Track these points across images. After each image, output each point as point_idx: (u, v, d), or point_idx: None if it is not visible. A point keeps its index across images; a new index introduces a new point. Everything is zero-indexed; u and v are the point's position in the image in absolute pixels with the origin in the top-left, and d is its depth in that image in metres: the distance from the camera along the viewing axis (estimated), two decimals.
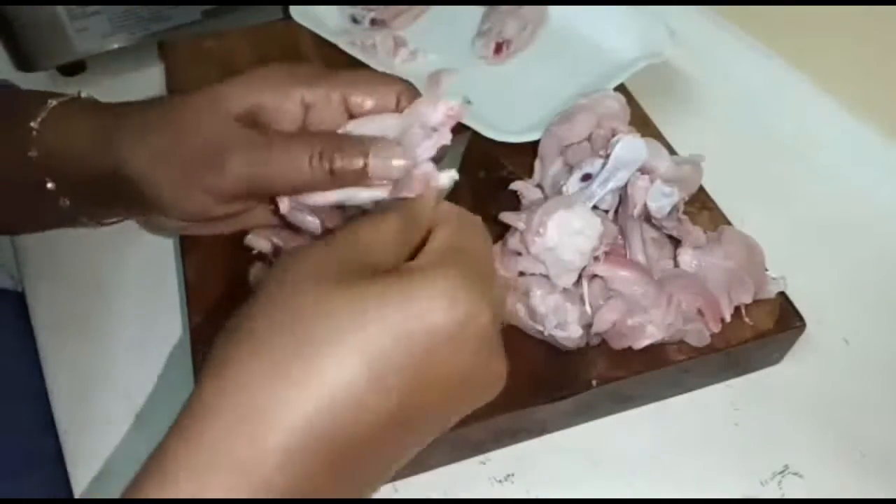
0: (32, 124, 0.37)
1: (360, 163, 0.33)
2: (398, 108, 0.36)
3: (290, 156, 0.33)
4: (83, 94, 0.40)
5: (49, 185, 0.37)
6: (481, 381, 0.28)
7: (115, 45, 0.59)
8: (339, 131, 0.36)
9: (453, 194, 0.47)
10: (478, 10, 0.59)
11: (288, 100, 0.35)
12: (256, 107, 0.35)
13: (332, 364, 0.23)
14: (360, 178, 0.33)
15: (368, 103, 0.36)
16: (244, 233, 0.41)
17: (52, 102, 0.37)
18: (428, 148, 0.33)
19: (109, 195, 0.37)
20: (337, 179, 0.34)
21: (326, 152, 0.33)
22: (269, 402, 0.23)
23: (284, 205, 0.35)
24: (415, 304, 0.24)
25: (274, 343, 0.24)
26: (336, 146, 0.33)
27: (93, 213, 0.40)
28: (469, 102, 0.35)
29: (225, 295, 0.42)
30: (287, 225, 0.38)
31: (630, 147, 0.41)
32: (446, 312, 0.25)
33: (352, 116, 0.36)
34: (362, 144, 0.33)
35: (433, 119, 0.35)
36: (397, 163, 0.33)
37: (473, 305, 0.25)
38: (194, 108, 0.35)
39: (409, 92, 0.36)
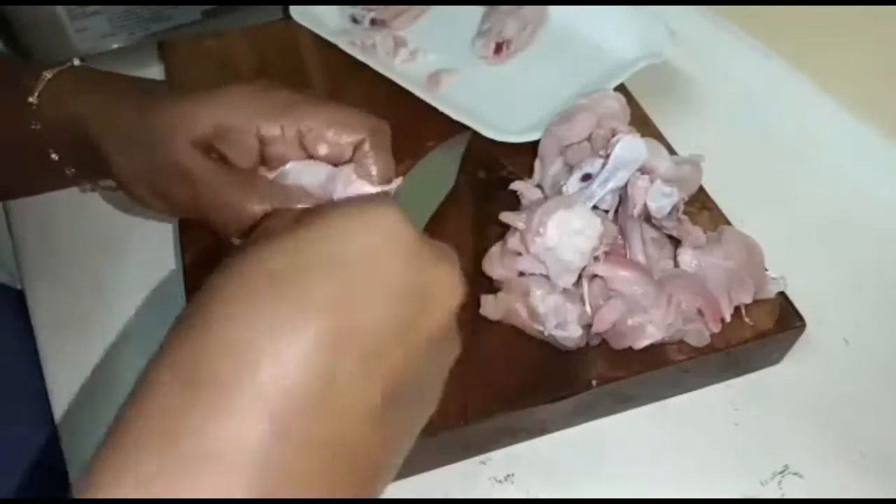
0: (31, 99, 0.38)
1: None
2: (355, 154, 0.37)
3: (235, 207, 0.35)
4: (76, 62, 0.41)
5: (53, 156, 0.39)
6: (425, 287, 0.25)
7: (115, 45, 0.59)
8: (273, 175, 0.37)
9: (453, 195, 0.47)
10: (478, 10, 0.59)
11: (246, 130, 0.36)
12: (220, 128, 0.35)
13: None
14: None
15: (322, 150, 0.36)
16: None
17: (47, 75, 0.39)
18: None
19: (95, 163, 0.38)
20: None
21: (270, 203, 0.35)
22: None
23: None
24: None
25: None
26: (281, 204, 0.34)
27: (95, 179, 0.42)
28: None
29: None
30: None
31: (630, 147, 0.41)
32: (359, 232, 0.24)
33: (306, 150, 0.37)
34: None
35: (343, 193, 0.36)
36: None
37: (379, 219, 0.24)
38: (169, 127, 0.35)
39: (375, 137, 0.37)
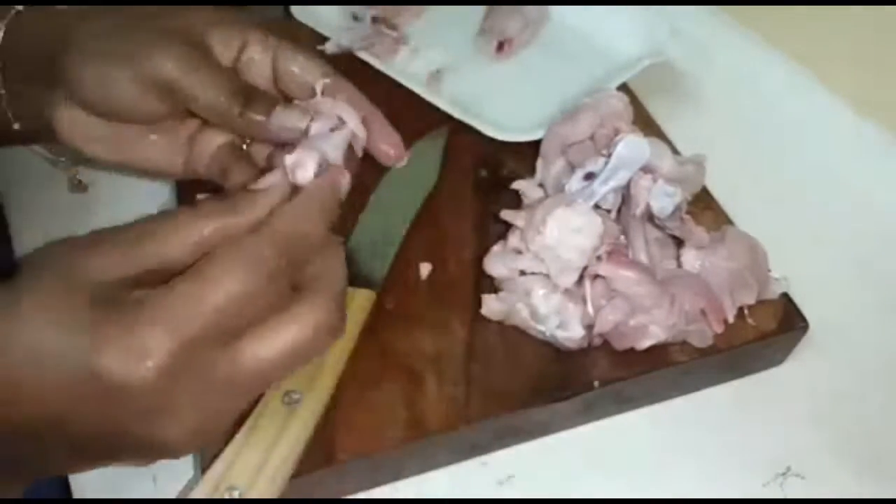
0: None
1: (263, 114, 0.35)
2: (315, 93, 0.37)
3: (214, 82, 0.35)
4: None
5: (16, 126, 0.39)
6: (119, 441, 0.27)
7: None
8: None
9: (453, 195, 0.47)
10: (479, 9, 0.59)
11: (232, 38, 0.37)
12: (203, 34, 0.37)
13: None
14: (261, 130, 0.35)
15: (295, 71, 0.37)
16: None
17: (19, 8, 0.38)
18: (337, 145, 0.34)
19: (47, 80, 0.38)
20: (243, 122, 0.35)
21: (243, 93, 0.35)
22: None
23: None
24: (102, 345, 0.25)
25: None
26: (251, 93, 0.36)
27: (22, 110, 0.40)
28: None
29: None
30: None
31: (632, 146, 0.41)
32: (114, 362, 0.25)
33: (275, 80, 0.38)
34: (272, 101, 0.35)
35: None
36: (294, 124, 0.35)
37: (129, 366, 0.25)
38: (150, 15, 0.37)
39: (332, 82, 0.37)
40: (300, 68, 0.38)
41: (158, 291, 0.26)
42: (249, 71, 0.38)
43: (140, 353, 0.25)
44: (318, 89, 0.37)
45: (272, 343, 0.27)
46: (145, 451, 0.28)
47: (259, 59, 0.38)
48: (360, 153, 0.36)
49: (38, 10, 0.38)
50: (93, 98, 0.37)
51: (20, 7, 0.38)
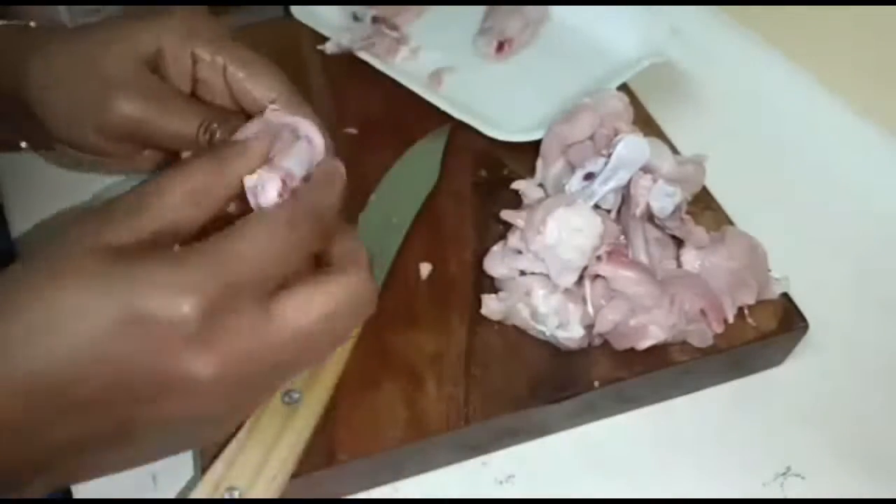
0: None
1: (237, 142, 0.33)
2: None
3: (183, 117, 0.36)
4: (12, 22, 0.40)
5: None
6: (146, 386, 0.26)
7: None
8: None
9: (454, 195, 0.47)
10: (479, 9, 0.59)
11: (184, 50, 0.37)
12: (157, 52, 0.37)
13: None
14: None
15: (253, 93, 0.37)
16: None
17: None
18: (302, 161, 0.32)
19: (18, 116, 0.38)
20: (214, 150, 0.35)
21: (207, 124, 0.36)
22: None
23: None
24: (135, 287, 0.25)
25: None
26: (215, 121, 0.36)
27: (16, 138, 0.42)
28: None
29: None
30: None
31: (632, 146, 0.41)
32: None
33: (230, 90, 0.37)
34: (236, 127, 0.34)
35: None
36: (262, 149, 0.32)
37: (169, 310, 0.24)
38: (101, 42, 0.37)
39: (285, 96, 0.37)
40: (251, 84, 0.37)
41: (196, 245, 0.26)
42: (205, 90, 0.38)
43: (183, 288, 0.24)
44: (269, 108, 0.35)
45: (308, 309, 0.27)
46: (177, 398, 0.26)
47: (209, 78, 0.37)
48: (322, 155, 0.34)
49: (3, 37, 0.38)
50: (67, 142, 0.38)
51: None
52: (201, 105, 0.38)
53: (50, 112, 0.37)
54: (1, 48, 0.38)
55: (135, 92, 0.36)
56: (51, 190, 0.50)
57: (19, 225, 0.49)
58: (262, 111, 0.34)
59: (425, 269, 0.43)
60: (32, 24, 0.40)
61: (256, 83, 0.37)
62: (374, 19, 0.57)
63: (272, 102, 0.36)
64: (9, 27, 0.39)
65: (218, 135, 0.35)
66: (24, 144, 0.41)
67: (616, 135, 0.42)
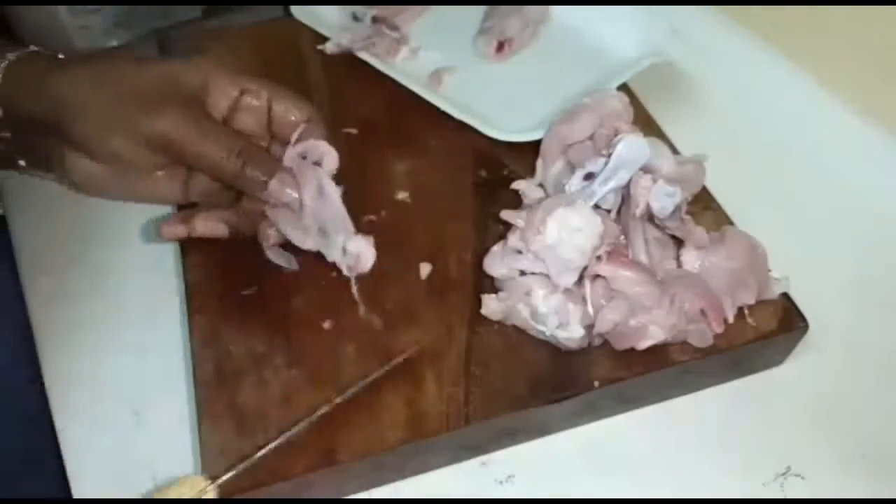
0: None
1: (263, 178, 0.39)
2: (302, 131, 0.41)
3: (218, 141, 0.38)
4: (35, 49, 0.40)
5: (5, 134, 0.40)
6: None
7: (115, 43, 0.59)
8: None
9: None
10: (479, 9, 0.59)
11: (231, 86, 0.40)
12: (203, 87, 0.39)
13: None
14: (259, 189, 0.39)
15: (290, 116, 0.41)
16: (244, 234, 0.41)
17: (10, 57, 0.39)
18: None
19: (49, 136, 0.39)
20: (241, 181, 0.39)
21: (245, 156, 0.39)
22: None
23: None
24: None
25: None
26: (253, 155, 0.39)
27: (46, 170, 0.42)
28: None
29: (225, 295, 0.41)
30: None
31: (632, 146, 0.41)
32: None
33: (269, 124, 0.42)
34: (272, 166, 0.39)
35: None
36: (289, 195, 0.39)
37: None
38: (137, 64, 0.39)
39: (313, 123, 0.41)
40: (287, 110, 0.41)
41: None
42: (242, 117, 0.41)
43: None
44: (296, 133, 0.41)
45: None
46: None
47: (257, 105, 0.41)
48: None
49: (29, 61, 0.39)
50: (99, 156, 0.39)
51: (12, 56, 0.39)
52: (235, 133, 0.40)
53: (85, 114, 0.38)
54: (28, 72, 0.39)
55: (174, 116, 0.38)
56: (53, 204, 0.50)
57: (23, 244, 0.50)
58: (293, 133, 0.41)
59: (425, 269, 0.43)
60: (60, 55, 0.41)
61: (292, 109, 0.41)
62: (374, 19, 0.57)
63: (306, 122, 0.41)
64: (38, 54, 0.40)
65: (248, 170, 0.39)
66: (22, 163, 0.41)
67: (616, 135, 0.42)
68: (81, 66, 0.39)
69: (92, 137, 0.38)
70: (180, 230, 0.41)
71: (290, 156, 0.41)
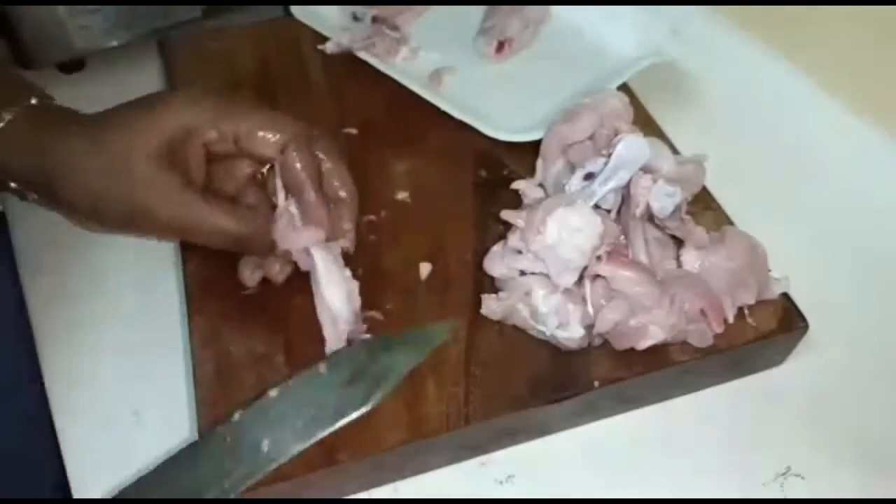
0: None
1: (269, 242, 0.40)
2: (281, 155, 0.39)
3: (212, 234, 0.38)
4: (34, 102, 0.40)
5: (13, 185, 0.39)
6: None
7: (115, 43, 0.59)
8: None
9: (455, 194, 0.46)
10: (480, 9, 0.59)
11: (195, 136, 0.38)
12: (172, 140, 0.37)
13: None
14: (269, 252, 0.40)
15: (257, 149, 0.39)
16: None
17: (6, 116, 0.38)
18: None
19: (35, 189, 0.39)
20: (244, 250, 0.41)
21: (241, 241, 0.39)
22: None
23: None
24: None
25: None
26: (250, 238, 0.39)
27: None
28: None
29: (225, 295, 0.41)
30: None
31: (632, 146, 0.41)
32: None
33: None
34: (270, 245, 0.40)
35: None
36: (299, 243, 0.40)
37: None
38: (125, 149, 0.37)
39: (298, 139, 0.39)
40: (267, 141, 0.39)
41: None
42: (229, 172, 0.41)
43: None
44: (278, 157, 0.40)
45: None
46: None
47: (228, 148, 0.39)
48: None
49: (24, 123, 0.38)
50: (89, 224, 0.39)
51: (8, 116, 0.38)
52: (237, 211, 0.39)
53: (72, 193, 0.38)
54: (21, 138, 0.38)
55: (169, 202, 0.37)
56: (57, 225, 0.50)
57: (22, 244, 0.50)
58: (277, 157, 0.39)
59: (425, 269, 0.43)
60: (56, 105, 0.40)
61: (269, 131, 0.39)
62: (374, 19, 0.57)
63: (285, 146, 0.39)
64: (30, 108, 0.39)
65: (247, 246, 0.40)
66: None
67: (616, 135, 0.42)
68: (75, 132, 0.38)
69: (82, 207, 0.38)
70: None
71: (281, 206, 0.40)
